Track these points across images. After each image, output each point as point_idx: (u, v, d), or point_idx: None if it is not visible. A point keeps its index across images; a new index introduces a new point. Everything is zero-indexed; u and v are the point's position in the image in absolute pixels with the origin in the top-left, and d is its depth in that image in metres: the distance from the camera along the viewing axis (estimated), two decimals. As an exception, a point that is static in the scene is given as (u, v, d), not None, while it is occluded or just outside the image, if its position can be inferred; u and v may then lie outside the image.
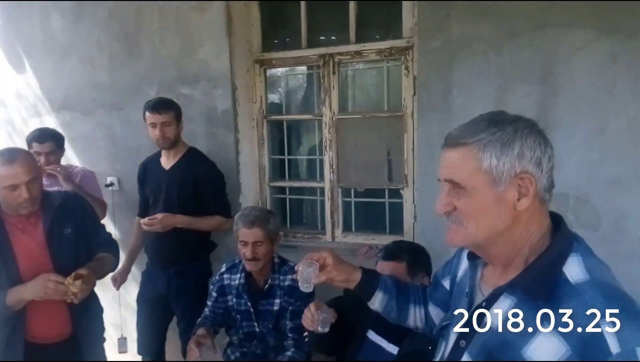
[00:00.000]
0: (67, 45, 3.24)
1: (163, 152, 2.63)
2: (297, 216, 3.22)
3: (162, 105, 2.49)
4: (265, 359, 2.03)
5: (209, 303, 2.20)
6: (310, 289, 1.27)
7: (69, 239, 1.95)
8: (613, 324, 0.81)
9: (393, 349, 1.69)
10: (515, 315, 0.92)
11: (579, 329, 0.83)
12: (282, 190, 3.15)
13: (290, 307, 2.06)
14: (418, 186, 2.66)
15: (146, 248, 2.72)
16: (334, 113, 2.89)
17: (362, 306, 1.79)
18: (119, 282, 2.73)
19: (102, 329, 2.19)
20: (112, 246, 2.16)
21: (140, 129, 2.90)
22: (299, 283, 1.27)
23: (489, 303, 0.98)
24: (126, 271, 2.78)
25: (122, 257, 2.68)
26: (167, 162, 2.62)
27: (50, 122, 3.27)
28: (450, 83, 2.44)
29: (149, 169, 2.68)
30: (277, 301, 2.09)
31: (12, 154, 1.82)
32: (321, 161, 2.99)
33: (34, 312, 1.89)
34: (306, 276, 1.25)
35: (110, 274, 2.47)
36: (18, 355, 1.86)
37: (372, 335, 1.78)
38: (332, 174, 2.93)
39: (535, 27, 2.26)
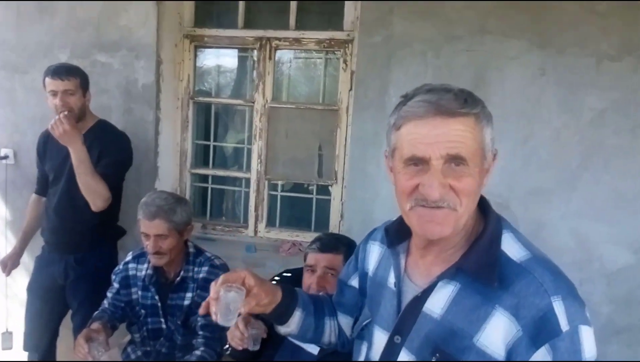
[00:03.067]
0: (-37, -8, 2.80)
1: None
2: (219, 207, 3.03)
3: (65, 71, 2.17)
4: (171, 358, 1.84)
5: (109, 295, 1.95)
6: (233, 322, 0.97)
7: None
8: (561, 302, 0.80)
9: (313, 349, 1.59)
10: (460, 301, 0.86)
11: (530, 309, 0.80)
12: (204, 178, 2.94)
13: (203, 303, 1.87)
14: (348, 183, 2.59)
15: (42, 230, 2.39)
16: (266, 101, 2.74)
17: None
18: (9, 267, 2.38)
19: None
20: None
21: (45, 96, 2.56)
22: (218, 315, 0.95)
23: (427, 292, 0.90)
24: (18, 255, 2.43)
25: (13, 240, 2.36)
26: None
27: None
28: (387, 81, 2.40)
29: (50, 142, 2.34)
30: (189, 294, 1.90)
31: None
32: (249, 151, 2.83)
33: None
34: (230, 306, 0.95)
35: None
36: None
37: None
38: (259, 165, 2.78)
39: (474, 33, 2.28)
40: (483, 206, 0.93)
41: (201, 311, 0.98)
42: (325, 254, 1.64)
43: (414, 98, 0.86)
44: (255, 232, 2.82)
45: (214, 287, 0.97)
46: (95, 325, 1.71)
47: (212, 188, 2.92)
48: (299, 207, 2.84)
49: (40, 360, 2.39)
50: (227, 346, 1.70)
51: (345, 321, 1.17)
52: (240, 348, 1.51)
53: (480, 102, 0.86)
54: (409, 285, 0.95)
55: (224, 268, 1.97)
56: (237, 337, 1.49)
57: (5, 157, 2.77)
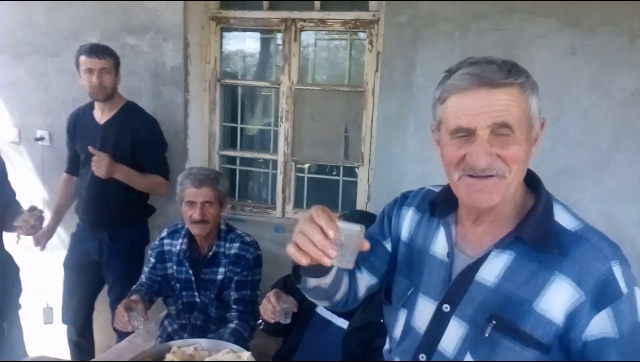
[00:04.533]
0: (-3, -22, 2.87)
1: (97, 104, 2.38)
2: (246, 188, 3.08)
3: (101, 50, 2.26)
4: (206, 331, 1.90)
5: (145, 269, 2.03)
6: (352, 264, 0.83)
7: None
8: (619, 266, 0.84)
9: (343, 323, 1.63)
10: (516, 269, 0.89)
11: (593, 274, 0.83)
12: (232, 160, 2.99)
13: (235, 277, 1.94)
14: (374, 165, 2.61)
15: (77, 208, 2.48)
16: (292, 83, 2.76)
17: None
18: (42, 243, 2.47)
19: (20, 291, 1.97)
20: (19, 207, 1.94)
21: (77, 78, 2.62)
22: (341, 255, 0.80)
23: (480, 261, 0.92)
24: (51, 231, 2.52)
25: (48, 216, 2.45)
26: (101, 116, 2.38)
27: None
28: (413, 61, 2.39)
29: (80, 122, 2.42)
30: (222, 269, 1.96)
31: None
32: (276, 133, 2.86)
33: None
34: (354, 240, 0.81)
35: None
36: None
37: (320, 310, 1.71)
38: (286, 147, 2.82)
39: (501, 12, 2.25)
40: (532, 179, 0.95)
41: (303, 260, 0.79)
42: None
43: (457, 71, 0.88)
44: (283, 213, 2.87)
45: (315, 229, 0.78)
46: (134, 296, 1.79)
47: (239, 170, 2.97)
48: (326, 189, 2.87)
49: (78, 333, 2.50)
50: (259, 321, 1.76)
51: (366, 279, 1.10)
52: (272, 321, 1.56)
53: (524, 72, 0.87)
54: (459, 255, 0.97)
55: (255, 245, 2.02)
56: (270, 311, 1.54)
57: (41, 138, 2.86)
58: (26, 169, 2.96)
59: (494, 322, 0.88)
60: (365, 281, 1.10)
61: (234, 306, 1.92)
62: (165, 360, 1.38)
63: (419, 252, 1.04)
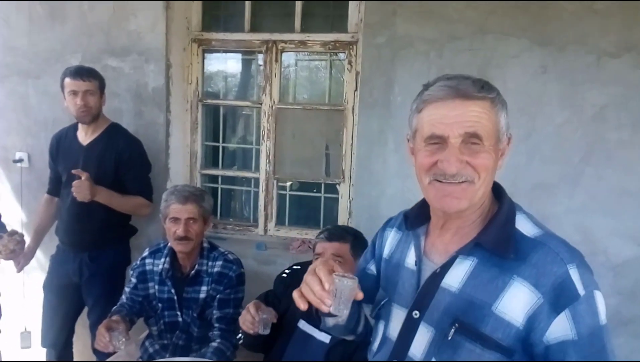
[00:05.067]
0: (-23, 1, 2.87)
1: (80, 126, 2.39)
2: (228, 206, 3.09)
3: (86, 72, 2.27)
4: (188, 351, 1.89)
5: (126, 290, 2.01)
6: (347, 313, 0.93)
7: None
8: (576, 269, 0.87)
9: (325, 337, 1.64)
10: (478, 275, 0.92)
11: (549, 277, 0.86)
12: (214, 178, 3.00)
13: (218, 296, 1.93)
14: (355, 181, 2.64)
15: (57, 229, 2.45)
16: (274, 102, 2.80)
17: (292, 298, 1.75)
18: (21, 264, 2.43)
19: None
20: (4, 230, 1.93)
21: (57, 100, 2.62)
22: (334, 307, 0.89)
23: (445, 268, 0.96)
24: (31, 253, 2.48)
25: (28, 240, 2.41)
26: (85, 137, 2.38)
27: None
28: (392, 80, 2.46)
29: (63, 143, 2.42)
30: (204, 288, 1.95)
31: None
32: (257, 151, 2.89)
33: None
34: (348, 294, 0.90)
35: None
36: None
37: (303, 325, 1.72)
38: (268, 165, 2.84)
39: (475, 32, 2.34)
40: (497, 190, 1.00)
41: (301, 305, 0.92)
42: (333, 243, 1.70)
43: (435, 84, 0.94)
44: (265, 230, 2.88)
45: (315, 279, 0.91)
46: (115, 317, 1.77)
47: (221, 188, 2.98)
48: (308, 206, 2.90)
49: (57, 357, 2.45)
50: (239, 334, 1.76)
51: (367, 310, 1.20)
52: (251, 331, 1.57)
53: (495, 89, 0.94)
54: (427, 264, 1.01)
55: (237, 263, 2.02)
56: (248, 321, 1.56)
57: (20, 160, 2.84)
58: (4, 191, 2.92)
59: (456, 325, 0.91)
60: (367, 311, 1.19)
61: (216, 325, 1.91)
62: (146, 380, 1.36)
63: (395, 266, 1.09)
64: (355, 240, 1.74)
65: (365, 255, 1.24)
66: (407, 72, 2.42)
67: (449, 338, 0.91)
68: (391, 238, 1.14)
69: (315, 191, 2.85)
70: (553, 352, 0.85)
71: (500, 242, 0.92)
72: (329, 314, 0.92)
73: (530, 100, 2.29)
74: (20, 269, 2.46)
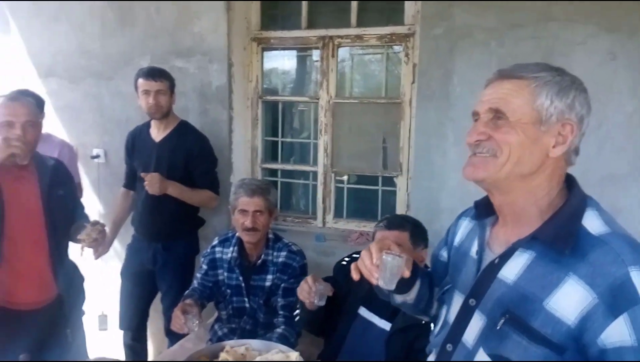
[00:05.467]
0: (57, 8, 3.11)
1: (153, 123, 2.55)
2: (288, 199, 3.18)
3: (158, 73, 2.43)
4: (255, 335, 1.98)
5: (198, 275, 2.14)
6: (394, 286, 1.04)
7: (61, 201, 1.96)
8: (638, 272, 0.83)
9: (385, 324, 1.68)
10: (534, 268, 0.92)
11: (607, 277, 0.84)
12: (273, 172, 3.10)
13: (282, 284, 2.02)
14: (413, 174, 2.65)
15: (132, 220, 2.64)
16: (331, 97, 2.85)
17: (353, 284, 1.80)
18: (99, 252, 2.62)
19: (83, 299, 2.12)
20: (88, 220, 2.10)
21: (129, 100, 2.81)
22: (381, 280, 1.02)
23: (503, 259, 0.97)
24: (109, 242, 2.68)
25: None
26: (157, 134, 2.54)
27: (35, 88, 3.13)
28: (450, 71, 2.44)
29: (137, 140, 2.60)
30: (270, 276, 2.05)
31: (19, 94, 1.88)
32: (315, 145, 2.95)
33: (16, 277, 1.82)
34: (393, 270, 1.02)
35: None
36: None
37: (363, 311, 1.76)
38: (326, 159, 2.90)
39: (538, 20, 2.27)
40: (570, 182, 0.99)
41: (355, 276, 1.05)
42: (392, 231, 1.72)
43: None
44: (324, 223, 2.95)
45: (368, 254, 1.04)
46: (189, 300, 1.90)
47: (281, 182, 3.08)
48: (365, 199, 2.94)
49: (133, 338, 2.64)
50: (296, 311, 1.83)
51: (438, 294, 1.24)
52: (307, 301, 1.63)
53: (549, 70, 0.93)
54: (488, 254, 1.03)
55: (301, 254, 2.10)
56: (305, 291, 1.62)
57: (97, 156, 3.06)
58: (84, 186, 3.16)
59: (506, 316, 0.92)
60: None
61: (280, 312, 2.00)
62: (219, 359, 1.46)
63: (462, 255, 1.12)
64: (414, 228, 1.75)
65: (440, 242, 1.27)
66: (466, 62, 2.39)
67: (498, 328, 0.93)
68: (464, 227, 1.16)
69: (372, 184, 2.88)
70: (610, 358, 0.83)
71: (559, 237, 0.90)
72: (397, 291, 1.08)
73: (598, 89, 2.19)
74: (98, 256, 2.66)
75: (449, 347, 1.04)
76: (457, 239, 1.17)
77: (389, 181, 2.82)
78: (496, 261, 0.98)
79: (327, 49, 2.83)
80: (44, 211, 1.88)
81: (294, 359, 1.45)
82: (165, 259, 2.50)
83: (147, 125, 2.59)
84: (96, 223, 1.95)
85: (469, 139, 0.96)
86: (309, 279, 1.64)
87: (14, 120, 1.78)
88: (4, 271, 1.79)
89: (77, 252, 2.04)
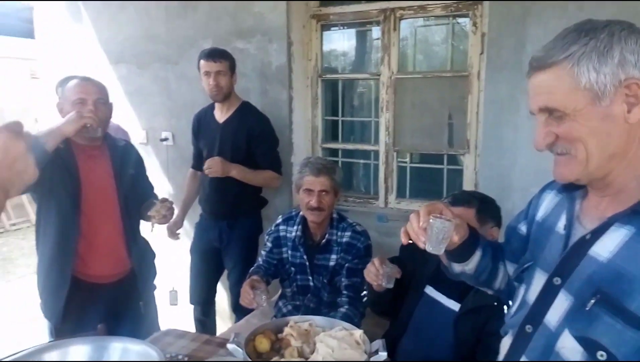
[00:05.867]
0: (124, -3, 3.22)
1: (217, 105, 2.59)
2: (349, 180, 3.14)
3: (218, 54, 2.44)
4: (318, 314, 1.98)
5: (262, 253, 2.17)
6: (442, 251, 1.02)
7: (133, 180, 2.03)
8: None
9: (454, 305, 1.60)
10: (633, 245, 0.82)
11: None
12: (334, 152, 3.06)
13: (346, 264, 2.00)
14: (481, 151, 2.52)
15: (200, 200, 2.72)
16: (392, 72, 2.76)
17: (420, 263, 1.74)
18: (174, 231, 2.75)
19: (155, 274, 2.21)
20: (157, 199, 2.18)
21: (194, 83, 2.87)
22: (428, 243, 1.00)
23: (596, 235, 0.88)
24: (180, 222, 2.78)
25: (175, 210, 2.70)
26: (220, 115, 2.58)
27: (107, 74, 3.29)
28: (523, 40, 2.27)
29: (203, 122, 2.66)
30: (334, 256, 2.03)
31: (89, 77, 1.97)
32: (376, 123, 2.88)
33: (93, 252, 1.92)
34: (440, 234, 1.00)
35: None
36: (64, 293, 1.88)
37: (430, 291, 1.70)
38: (387, 137, 2.82)
39: (623, -22, 2.04)
40: None
41: (403, 239, 1.04)
42: (457, 207, 1.63)
43: None
44: (386, 203, 2.88)
45: (415, 217, 1.02)
46: (255, 276, 1.94)
47: (341, 161, 3.04)
48: (429, 178, 2.84)
49: (202, 313, 2.75)
50: (364, 292, 1.80)
51: (512, 269, 1.16)
52: (374, 283, 1.59)
53: (578, 40, 0.82)
54: (578, 229, 0.94)
55: (365, 234, 2.06)
56: (373, 273, 1.58)
57: (165, 139, 3.18)
58: (153, 168, 3.30)
59: (597, 296, 0.83)
60: (512, 270, 1.16)
61: (344, 292, 1.98)
62: (283, 334, 1.46)
63: (547, 230, 1.03)
64: (482, 204, 1.65)
65: (518, 214, 1.19)
66: (542, 29, 2.21)
67: (587, 308, 0.84)
68: (548, 200, 1.08)
69: (437, 162, 2.77)
70: None
71: None
72: (455, 260, 1.09)
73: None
74: (176, 236, 2.77)
75: (528, 328, 0.96)
76: (540, 213, 1.08)
77: (455, 159, 2.70)
78: (587, 236, 0.89)
79: (388, 22, 2.72)
80: (117, 189, 1.96)
81: (358, 337, 1.42)
82: (230, 238, 2.56)
83: (211, 107, 2.64)
84: (165, 200, 2.02)
85: (537, 147, 0.90)
86: (376, 261, 1.60)
87: (86, 98, 1.86)
88: (81, 245, 1.90)
89: (148, 229, 2.13)
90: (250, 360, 1.29)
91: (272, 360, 1.36)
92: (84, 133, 1.86)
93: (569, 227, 0.95)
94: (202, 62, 2.45)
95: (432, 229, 0.99)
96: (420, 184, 2.87)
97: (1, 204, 0.85)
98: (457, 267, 1.14)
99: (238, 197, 2.51)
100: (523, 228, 1.14)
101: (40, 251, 1.95)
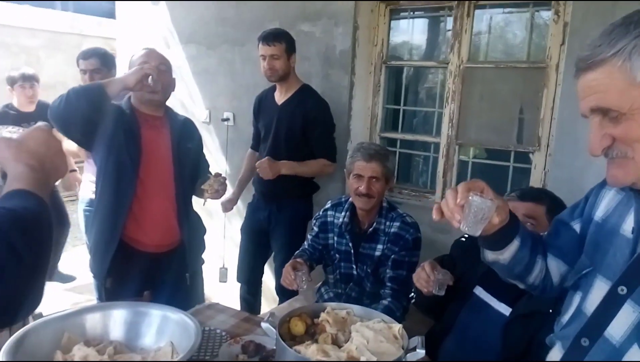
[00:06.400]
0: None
1: (277, 86, 2.58)
2: (406, 171, 3.03)
3: (272, 37, 2.42)
4: (360, 303, 1.92)
5: (309, 237, 2.14)
6: (479, 232, 0.92)
7: (189, 153, 2.07)
8: None
9: (504, 309, 1.48)
10: None
11: None
12: (392, 142, 2.96)
13: (392, 256, 1.91)
14: (553, 150, 2.32)
15: (253, 180, 2.74)
16: (462, 61, 2.60)
17: (471, 262, 1.63)
18: (227, 207, 2.79)
19: (203, 249, 2.25)
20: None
21: (258, 65, 2.87)
22: (465, 222, 0.91)
23: None
24: (234, 199, 2.82)
25: (231, 189, 2.74)
26: (280, 97, 2.57)
27: (177, 54, 3.40)
28: (611, 30, 2.04)
29: (263, 103, 2.67)
30: (380, 246, 1.95)
31: (154, 48, 2.03)
32: (440, 115, 2.74)
33: (145, 219, 1.98)
34: (479, 213, 0.90)
35: (218, 202, 2.57)
36: (112, 253, 1.93)
37: (479, 291, 1.58)
38: (450, 129, 2.68)
39: None
40: None
41: (435, 215, 0.97)
42: (526, 203, 1.51)
43: None
44: (442, 198, 2.74)
45: (452, 194, 0.94)
46: (299, 259, 1.91)
47: (400, 152, 2.93)
48: (493, 175, 2.66)
49: (248, 292, 2.78)
50: (412, 294, 1.72)
51: (554, 264, 1.06)
52: (425, 290, 1.50)
53: (624, 34, 0.75)
54: None
55: (415, 226, 1.97)
56: (423, 279, 1.50)
57: (227, 119, 3.23)
58: (214, 147, 3.38)
59: None
60: (554, 266, 1.07)
61: (388, 284, 1.90)
62: (320, 319, 1.42)
63: (609, 232, 0.91)
64: (553, 203, 1.51)
65: (572, 208, 1.07)
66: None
67: None
68: (609, 198, 0.96)
69: (502, 159, 2.59)
70: None
71: None
72: (489, 247, 0.99)
73: None
74: (226, 210, 2.82)
75: (584, 341, 0.86)
76: (600, 213, 0.96)
77: (523, 157, 2.51)
78: None
79: (462, 7, 2.57)
80: (173, 160, 2.00)
81: (397, 331, 1.35)
82: (279, 220, 2.56)
83: (272, 89, 2.64)
84: (218, 175, 2.04)
85: (593, 152, 0.82)
86: (427, 267, 1.51)
87: (148, 61, 1.92)
88: (134, 210, 1.95)
89: (200, 203, 2.17)
90: (281, 341, 1.26)
91: (303, 344, 1.32)
92: (146, 92, 1.89)
93: (637, 230, 0.84)
94: (260, 45, 2.46)
95: (470, 207, 0.90)
96: (483, 180, 2.69)
97: (49, 188, 0.96)
98: (490, 256, 1.05)
99: (289, 180, 2.49)
100: (576, 226, 1.02)
101: (95, 210, 2.03)
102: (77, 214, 3.06)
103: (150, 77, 1.85)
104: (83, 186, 2.80)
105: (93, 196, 2.64)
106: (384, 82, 2.89)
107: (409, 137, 2.90)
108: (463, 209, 0.91)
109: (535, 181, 2.43)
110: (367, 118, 2.93)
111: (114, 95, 1.82)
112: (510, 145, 2.54)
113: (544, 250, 1.08)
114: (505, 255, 1.02)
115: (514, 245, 1.01)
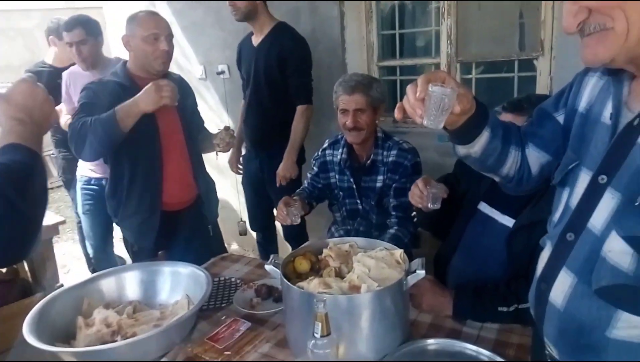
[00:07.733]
0: None
1: (254, 29, 2.48)
2: (409, 98, 2.93)
3: None
4: (369, 236, 1.93)
5: (308, 176, 2.13)
6: (442, 124, 0.88)
7: (190, 110, 2.09)
8: None
9: (508, 221, 1.46)
10: None
11: None
12: (392, 70, 2.86)
13: (394, 185, 1.89)
14: (557, 53, 2.18)
15: (244, 131, 2.69)
16: (453, -28, 2.43)
17: (474, 179, 1.59)
18: (235, 165, 2.79)
19: (217, 201, 2.30)
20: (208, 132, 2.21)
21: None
22: (426, 115, 0.86)
23: None
24: (237, 154, 2.81)
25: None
26: (256, 38, 2.48)
27: (163, 10, 3.30)
28: None
29: (244, 48, 2.59)
30: (380, 177, 1.93)
31: (156, 12, 1.96)
32: (437, 33, 2.60)
33: (169, 180, 2.00)
34: (440, 104, 0.85)
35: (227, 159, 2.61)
36: (156, 223, 2.01)
37: (483, 207, 1.56)
38: (449, 47, 2.55)
39: None
40: None
41: (397, 114, 0.92)
42: (507, 114, 1.46)
43: None
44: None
45: (412, 88, 0.88)
46: (294, 196, 1.93)
47: (400, 80, 2.83)
48: (498, 89, 2.54)
49: (263, 238, 2.85)
50: (413, 213, 1.71)
51: (535, 155, 1.02)
52: (420, 205, 1.49)
53: None
54: (627, 115, 0.78)
55: (413, 151, 1.93)
56: (417, 195, 1.48)
57: (222, 72, 3.17)
58: (213, 102, 3.35)
59: None
60: (535, 157, 1.03)
61: (393, 213, 1.89)
62: (323, 255, 1.44)
63: (592, 122, 0.86)
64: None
65: (556, 97, 1.00)
66: None
67: (637, 204, 0.71)
68: (592, 86, 0.89)
69: (506, 70, 2.46)
70: None
71: None
72: (457, 141, 0.97)
73: None
74: (237, 170, 2.82)
75: (569, 236, 0.83)
76: (583, 103, 0.90)
77: (527, 65, 2.37)
78: (636, 121, 0.74)
79: None
80: (181, 119, 2.01)
81: (399, 256, 1.36)
82: (271, 167, 2.50)
83: (251, 33, 2.54)
84: (228, 128, 2.06)
85: (567, 29, 0.75)
86: (419, 182, 1.49)
87: (159, 33, 1.86)
88: (162, 174, 1.98)
89: (213, 157, 2.19)
90: (285, 279, 1.28)
91: (306, 280, 1.34)
92: (155, 66, 1.90)
93: (615, 115, 0.79)
94: None
95: (430, 98, 0.85)
96: (488, 97, 2.58)
97: (40, 138, 1.01)
98: (461, 150, 1.01)
99: (274, 124, 2.45)
100: (560, 118, 0.97)
101: (128, 187, 1.99)
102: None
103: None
104: (80, 165, 2.75)
105: (91, 175, 2.69)
106: (375, 6, 2.74)
107: (408, 62, 2.78)
108: (424, 103, 0.86)
109: (541, 89, 2.32)
110: (362, 48, 2.81)
111: (128, 128, 1.79)
112: (513, 53, 2.40)
113: (519, 140, 1.03)
114: (475, 148, 0.98)
115: (484, 136, 0.96)
